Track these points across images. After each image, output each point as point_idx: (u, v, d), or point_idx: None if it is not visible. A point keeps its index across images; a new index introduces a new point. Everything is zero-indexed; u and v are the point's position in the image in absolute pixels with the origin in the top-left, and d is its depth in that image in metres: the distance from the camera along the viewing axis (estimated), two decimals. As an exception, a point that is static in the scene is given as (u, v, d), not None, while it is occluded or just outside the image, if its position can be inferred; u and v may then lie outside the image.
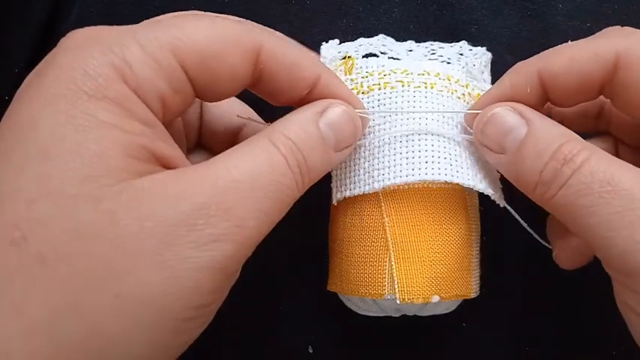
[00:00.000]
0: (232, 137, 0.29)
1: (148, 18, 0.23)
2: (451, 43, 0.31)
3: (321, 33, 0.35)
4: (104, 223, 0.19)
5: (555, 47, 0.26)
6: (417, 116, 0.27)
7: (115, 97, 0.20)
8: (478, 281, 0.29)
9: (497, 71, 0.29)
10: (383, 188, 0.27)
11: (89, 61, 0.20)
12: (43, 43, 0.35)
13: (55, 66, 0.21)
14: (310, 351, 0.34)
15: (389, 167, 0.27)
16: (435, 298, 0.27)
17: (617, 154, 0.29)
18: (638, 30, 0.25)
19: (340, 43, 0.30)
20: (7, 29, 0.35)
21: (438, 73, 0.28)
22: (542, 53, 0.26)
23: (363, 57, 0.30)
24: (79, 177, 0.19)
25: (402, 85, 0.28)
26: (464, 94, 0.28)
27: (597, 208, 0.22)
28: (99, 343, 0.19)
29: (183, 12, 0.24)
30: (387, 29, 0.35)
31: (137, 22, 0.23)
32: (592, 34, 0.26)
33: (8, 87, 0.34)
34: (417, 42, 0.31)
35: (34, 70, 0.22)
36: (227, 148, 0.29)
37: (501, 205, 0.28)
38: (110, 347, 0.19)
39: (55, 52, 0.22)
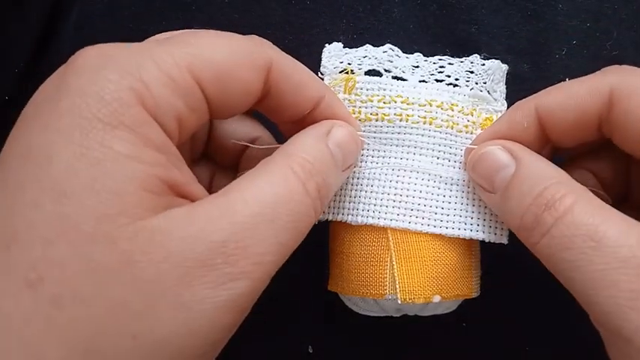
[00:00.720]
0: (240, 151, 0.29)
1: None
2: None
3: (321, 33, 0.35)
4: (121, 264, 0.19)
5: (553, 85, 0.26)
6: (410, 157, 0.27)
7: (131, 124, 0.20)
8: (479, 281, 0.29)
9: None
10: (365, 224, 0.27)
11: (105, 84, 0.20)
12: (43, 43, 0.35)
13: (68, 91, 0.20)
14: (310, 351, 0.34)
15: (374, 205, 0.27)
16: (437, 298, 0.27)
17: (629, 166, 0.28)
18: (634, 67, 0.25)
19: (344, 47, 0.30)
20: (7, 29, 0.35)
21: (441, 104, 0.28)
22: (540, 91, 0.26)
23: (366, 73, 0.29)
24: (94, 216, 0.19)
25: (400, 120, 0.27)
26: (467, 125, 0.28)
27: (580, 264, 0.21)
28: None
29: (194, 30, 0.24)
30: (387, 29, 0.35)
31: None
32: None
33: (8, 87, 0.34)
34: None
35: (43, 91, 0.21)
36: (233, 161, 0.29)
37: (504, 243, 0.28)
38: None
39: (66, 73, 0.21)
